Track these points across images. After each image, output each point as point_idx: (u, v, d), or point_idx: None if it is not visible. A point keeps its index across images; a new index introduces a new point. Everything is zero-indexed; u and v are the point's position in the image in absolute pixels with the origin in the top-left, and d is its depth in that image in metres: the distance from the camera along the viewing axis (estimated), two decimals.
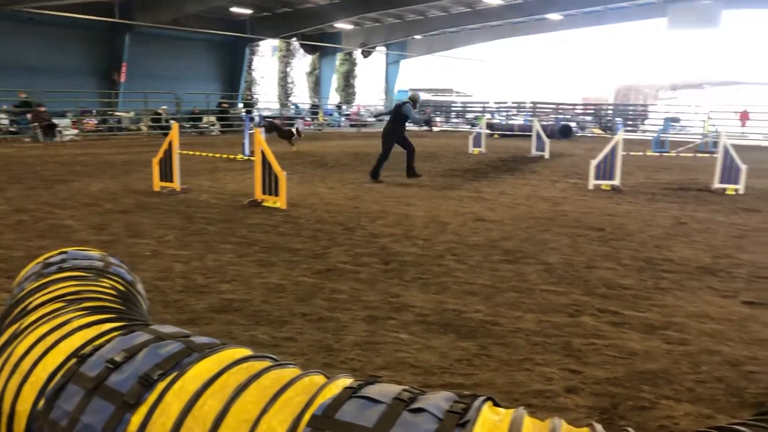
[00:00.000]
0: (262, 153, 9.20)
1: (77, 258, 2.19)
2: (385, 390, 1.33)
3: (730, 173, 11.51)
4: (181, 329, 1.65)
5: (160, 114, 27.68)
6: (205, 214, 8.54)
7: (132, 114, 28.42)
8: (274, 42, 38.94)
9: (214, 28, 32.06)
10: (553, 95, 48.01)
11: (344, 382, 1.39)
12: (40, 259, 2.20)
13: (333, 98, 42.70)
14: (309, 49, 39.56)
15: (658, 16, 34.12)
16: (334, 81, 42.81)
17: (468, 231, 7.69)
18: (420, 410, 1.25)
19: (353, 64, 43.51)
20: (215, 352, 1.50)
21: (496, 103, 42.54)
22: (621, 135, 12.16)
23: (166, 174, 10.55)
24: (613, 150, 11.65)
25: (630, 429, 1.29)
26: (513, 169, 15.50)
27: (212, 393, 1.37)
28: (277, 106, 39.16)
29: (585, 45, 67.39)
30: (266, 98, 39.10)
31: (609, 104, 44.98)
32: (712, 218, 8.85)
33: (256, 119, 24.42)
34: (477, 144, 20.92)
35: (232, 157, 14.27)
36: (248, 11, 32.09)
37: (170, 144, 10.42)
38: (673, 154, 18.71)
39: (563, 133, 29.79)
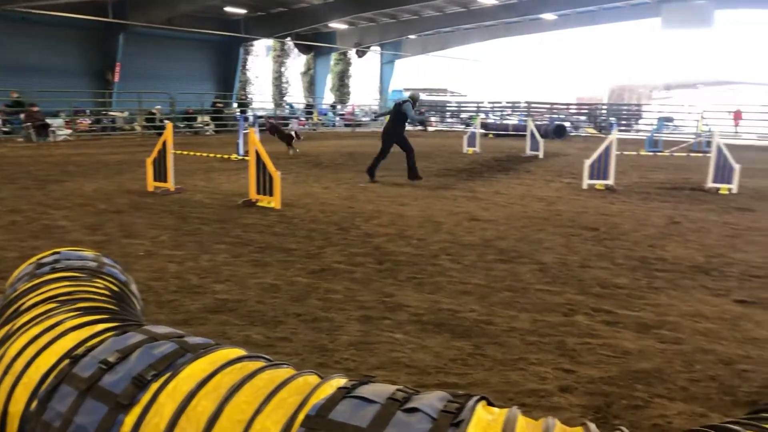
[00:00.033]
0: (257, 153, 9.19)
1: (70, 258, 2.18)
2: (379, 390, 1.33)
3: (723, 173, 11.55)
4: (174, 330, 1.65)
5: (154, 114, 27.61)
6: (200, 214, 8.53)
7: (126, 114, 28.32)
8: (269, 42, 38.88)
9: (208, 28, 31.97)
10: (547, 95, 48.08)
11: (338, 382, 1.39)
12: (33, 259, 2.19)
13: (328, 98, 42.66)
14: (303, 49, 39.52)
15: (651, 16, 34.24)
16: (329, 81, 42.77)
17: (462, 230, 7.70)
18: (414, 410, 1.25)
19: (348, 63, 43.47)
20: (209, 353, 1.49)
21: (490, 102, 42.60)
22: (615, 135, 12.19)
23: (160, 174, 10.52)
24: (607, 150, 11.68)
25: (623, 428, 1.29)
26: (507, 169, 15.52)
27: (206, 393, 1.37)
28: (271, 106, 39.09)
29: (579, 45, 67.60)
30: (261, 98, 39.06)
31: (603, 104, 45.05)
32: (705, 217, 8.88)
33: (251, 119, 24.38)
34: (471, 144, 20.93)
35: (226, 157, 14.26)
36: (242, 11, 32.03)
37: (164, 144, 10.39)
38: (667, 154, 18.76)
39: (557, 132, 29.85)
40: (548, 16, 36.71)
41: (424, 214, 8.81)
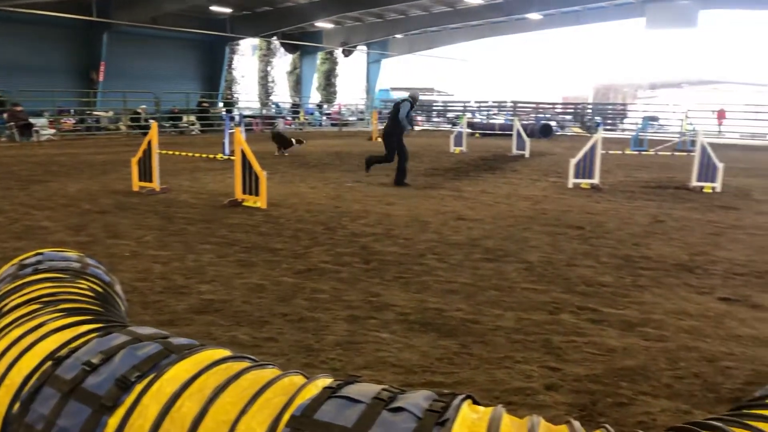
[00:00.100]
0: (242, 152, 9.15)
1: (54, 259, 2.16)
2: (364, 389, 1.33)
3: (707, 171, 11.66)
4: (159, 330, 1.64)
5: (139, 113, 27.43)
6: (185, 214, 8.49)
7: (110, 113, 28.13)
8: (255, 41, 38.77)
9: (194, 27, 31.82)
10: (533, 94, 48.34)
11: (323, 382, 1.38)
12: (15, 260, 2.17)
13: (314, 97, 42.59)
14: (290, 48, 39.43)
15: (636, 16, 34.47)
16: (315, 80, 42.71)
17: (449, 230, 7.72)
18: (399, 409, 1.25)
19: (334, 63, 43.44)
20: (193, 354, 1.49)
21: (476, 102, 42.70)
22: (600, 134, 12.26)
23: (146, 174, 10.46)
24: (593, 149, 11.75)
25: (608, 426, 1.30)
26: (494, 168, 15.57)
27: (190, 395, 1.36)
28: (257, 105, 38.98)
29: (564, 45, 67.98)
30: (247, 97, 38.93)
31: (589, 103, 45.31)
32: (689, 216, 8.96)
33: (237, 118, 24.27)
34: (458, 143, 20.97)
35: (212, 156, 14.21)
36: (228, 10, 31.91)
37: (149, 143, 10.33)
38: (652, 153, 18.92)
39: (543, 132, 29.97)
40: (534, 16, 36.88)
41: (410, 213, 8.82)
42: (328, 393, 1.32)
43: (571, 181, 11.91)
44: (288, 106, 39.79)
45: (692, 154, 12.68)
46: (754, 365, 3.73)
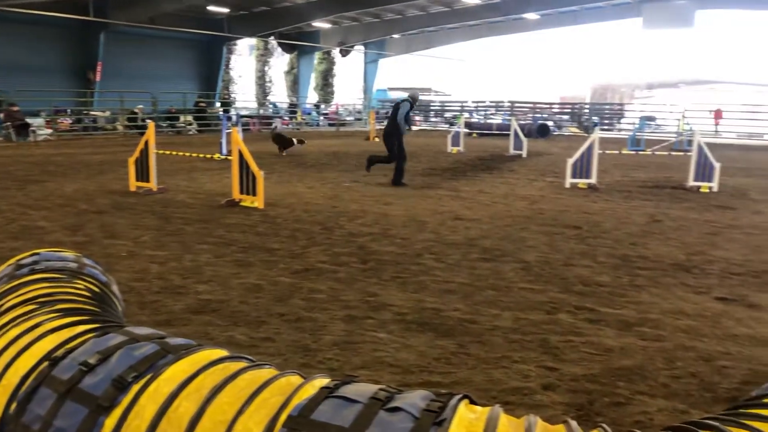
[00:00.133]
0: (240, 152, 9.15)
1: (50, 259, 2.16)
2: (361, 389, 1.33)
3: (704, 171, 11.67)
4: (156, 330, 1.64)
5: (136, 113, 27.39)
6: (182, 214, 8.48)
7: (107, 113, 28.07)
8: (252, 41, 38.73)
9: (191, 27, 31.76)
10: (530, 94, 48.38)
11: (320, 382, 1.39)
12: (12, 260, 2.17)
13: (311, 97, 42.57)
14: (287, 48, 39.40)
15: (633, 16, 34.51)
16: (313, 80, 42.67)
17: (446, 230, 7.72)
18: (396, 409, 1.25)
19: (332, 63, 43.40)
20: (190, 354, 1.49)
21: (474, 102, 42.70)
22: (597, 134, 12.27)
23: (143, 174, 10.44)
24: (590, 149, 11.76)
25: (605, 425, 1.30)
26: (491, 168, 15.58)
27: (187, 395, 1.36)
28: (254, 105, 38.95)
29: (562, 45, 67.99)
30: (244, 97, 38.90)
31: (586, 103, 45.35)
32: (686, 216, 8.97)
33: (234, 118, 24.25)
34: (455, 143, 20.97)
35: (209, 156, 14.19)
36: (225, 10, 31.86)
37: (146, 143, 10.32)
38: (649, 153, 18.93)
39: (541, 132, 30.01)
40: (531, 16, 36.89)
41: (408, 213, 8.82)
42: (325, 393, 1.32)
43: (569, 180, 11.91)
44: (285, 106, 39.76)
45: (689, 153, 12.69)
46: (750, 365, 3.74)
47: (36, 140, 22.40)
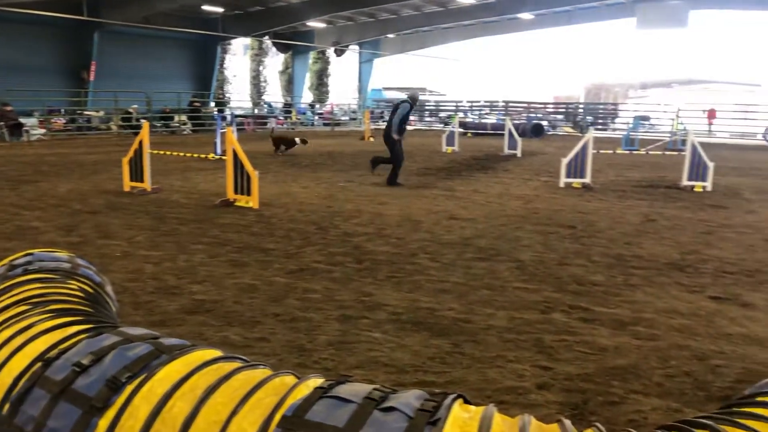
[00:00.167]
0: (234, 152, 9.13)
1: (44, 260, 2.15)
2: (355, 389, 1.33)
3: (697, 170, 11.71)
4: (150, 331, 1.63)
5: (130, 113, 27.31)
6: (177, 214, 8.46)
7: (101, 113, 27.99)
8: (246, 40, 38.66)
9: (185, 27, 31.70)
10: (525, 94, 48.45)
11: (315, 382, 1.38)
12: (5, 261, 2.15)
13: (306, 97, 42.53)
14: (281, 48, 39.35)
15: (626, 16, 34.57)
16: (307, 79, 42.64)
17: (441, 229, 7.73)
18: (391, 409, 1.25)
19: (326, 62, 43.36)
20: (184, 354, 1.48)
21: (469, 101, 42.74)
22: (591, 133, 12.30)
23: (137, 174, 10.42)
24: (584, 148, 11.78)
25: (599, 425, 1.30)
26: (486, 168, 15.60)
27: (181, 395, 1.36)
28: (249, 104, 38.90)
29: (556, 44, 68.21)
30: (238, 97, 38.84)
31: (580, 103, 45.43)
32: (680, 215, 9.00)
33: (228, 118, 24.19)
34: (450, 143, 20.99)
35: (203, 156, 14.16)
36: (220, 9, 31.80)
37: (141, 143, 10.29)
38: (643, 152, 18.97)
39: (535, 131, 30.06)
40: (525, 16, 36.94)
41: (403, 213, 8.82)
42: (320, 393, 1.31)
43: (563, 180, 11.94)
44: (280, 105, 39.72)
45: (683, 153, 12.73)
46: (744, 363, 3.75)
47: (29, 140, 22.32)
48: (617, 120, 39.32)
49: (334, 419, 1.23)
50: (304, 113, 39.45)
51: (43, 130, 24.03)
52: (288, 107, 39.20)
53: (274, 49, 39.57)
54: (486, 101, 42.36)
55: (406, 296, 4.98)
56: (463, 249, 6.67)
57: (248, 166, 8.99)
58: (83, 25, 27.28)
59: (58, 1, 25.06)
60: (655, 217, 8.80)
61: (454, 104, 43.13)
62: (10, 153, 17.49)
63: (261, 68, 39.96)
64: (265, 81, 40.34)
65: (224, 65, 37.46)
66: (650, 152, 18.72)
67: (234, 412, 1.30)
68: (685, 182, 11.80)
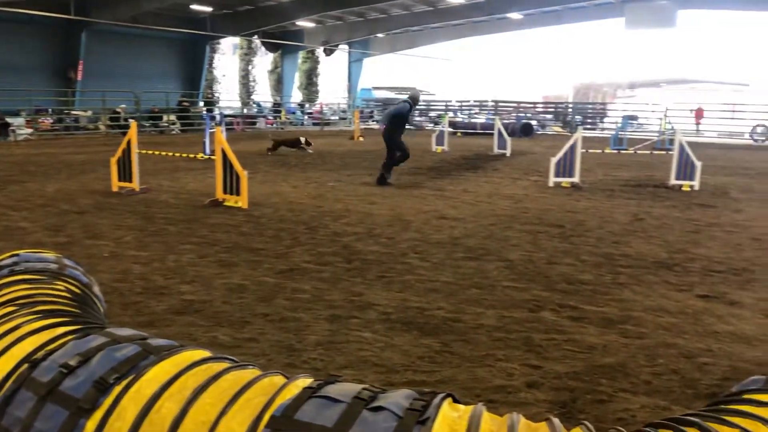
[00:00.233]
0: (223, 152, 9.10)
1: (30, 260, 2.13)
2: (345, 389, 1.33)
3: (685, 170, 11.78)
4: (138, 331, 1.62)
5: (118, 113, 27.17)
6: (165, 214, 8.42)
7: (89, 113, 27.82)
8: (235, 40, 38.55)
9: (174, 26, 31.56)
10: (514, 94, 48.55)
11: (304, 382, 1.38)
12: None
13: (296, 96, 42.46)
14: (271, 47, 39.27)
15: (615, 16, 34.71)
16: (297, 79, 42.58)
17: (431, 229, 7.73)
18: (380, 408, 1.25)
19: (316, 62, 43.31)
20: (173, 355, 1.48)
21: (458, 101, 42.78)
22: (580, 133, 12.35)
23: (125, 174, 10.36)
24: (573, 148, 11.83)
25: (587, 423, 1.31)
26: (475, 167, 15.63)
27: (170, 396, 1.35)
28: (238, 104, 38.78)
29: (545, 44, 68.44)
30: (227, 96, 38.71)
31: (569, 103, 45.60)
32: (668, 214, 9.05)
33: (217, 118, 24.10)
34: (440, 142, 21.01)
35: (192, 156, 14.11)
36: (208, 9, 31.68)
37: (129, 143, 10.24)
38: (631, 152, 19.07)
39: (524, 131, 30.15)
40: (514, 16, 37.03)
41: (392, 212, 8.82)
42: (309, 393, 1.31)
43: (552, 179, 11.98)
44: (269, 105, 39.63)
45: (671, 152, 12.80)
46: (731, 361, 3.78)
47: (16, 140, 22.16)
48: (606, 119, 39.46)
49: (323, 419, 1.23)
50: (293, 113, 39.36)
51: (30, 130, 23.86)
52: (277, 107, 39.11)
53: (263, 48, 39.48)
54: (476, 101, 42.41)
55: (396, 296, 4.99)
56: (452, 248, 6.68)
57: (237, 165, 8.96)
58: (71, 24, 27.13)
59: (46, 0, 24.87)
60: (644, 216, 8.85)
61: (444, 104, 43.17)
62: None
63: (250, 68, 39.86)
64: (254, 80, 40.25)
65: (213, 65, 37.35)
66: (638, 151, 18.83)
67: (223, 413, 1.30)
68: (673, 181, 11.87)
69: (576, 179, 11.87)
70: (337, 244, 6.77)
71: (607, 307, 4.78)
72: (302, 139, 18.61)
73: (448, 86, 50.46)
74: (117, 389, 1.38)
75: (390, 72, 51.02)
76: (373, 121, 40.65)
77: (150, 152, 13.29)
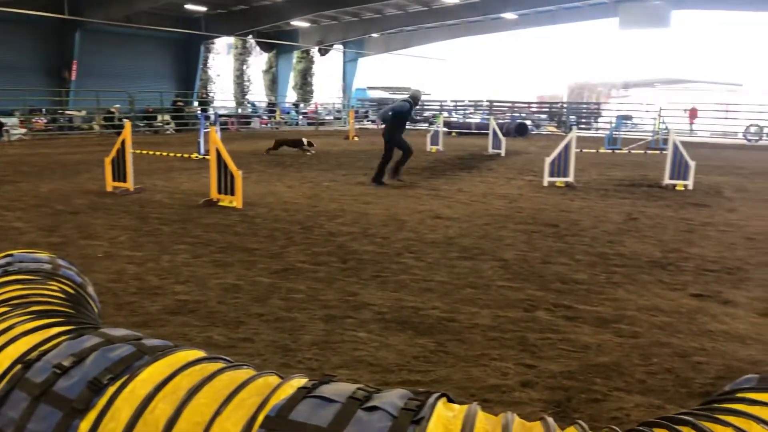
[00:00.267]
0: (218, 152, 9.09)
1: (24, 261, 2.13)
2: (339, 389, 1.33)
3: (679, 169, 11.82)
4: (132, 332, 1.62)
5: (112, 113, 27.10)
6: (160, 214, 8.40)
7: (83, 113, 27.73)
8: (230, 40, 38.51)
9: (168, 26, 31.48)
10: (509, 94, 48.60)
11: (298, 382, 1.38)
12: None
13: (290, 96, 42.41)
14: (265, 47, 39.22)
15: (609, 16, 34.83)
16: (291, 79, 42.53)
17: (426, 228, 7.74)
18: (374, 408, 1.25)
19: (310, 62, 43.27)
20: (167, 355, 1.47)
21: (453, 101, 42.81)
22: (574, 133, 12.37)
23: (119, 174, 10.33)
24: (567, 147, 11.85)
25: (581, 422, 1.31)
26: (470, 167, 15.64)
27: (164, 396, 1.35)
28: (233, 104, 38.72)
29: (539, 44, 68.61)
30: (222, 96, 38.66)
31: (564, 102, 45.68)
32: (662, 213, 9.08)
33: (212, 117, 24.05)
34: (435, 142, 21.03)
35: (187, 156, 14.07)
36: (203, 8, 31.63)
37: (123, 143, 10.21)
38: (625, 151, 19.11)
39: (519, 131, 30.21)
40: (509, 16, 37.09)
41: (387, 212, 8.82)
42: (303, 393, 1.31)
43: (546, 179, 12.00)
44: (264, 105, 39.57)
45: (665, 152, 12.84)
46: (724, 360, 3.79)
47: (10, 140, 22.07)
48: (600, 119, 39.57)
49: (318, 419, 1.23)
50: (288, 113, 39.33)
51: (23, 130, 23.77)
52: (272, 107, 39.06)
53: (257, 48, 39.43)
54: (470, 101, 42.45)
55: (391, 295, 4.99)
56: (447, 248, 6.68)
57: (232, 165, 8.95)
58: (65, 24, 27.02)
59: (40, 0, 24.78)
60: (638, 215, 8.87)
61: (439, 104, 43.18)
62: None
63: (245, 67, 39.80)
64: (248, 80, 40.19)
65: (208, 64, 37.27)
66: (632, 151, 18.87)
67: (217, 413, 1.30)
68: (667, 181, 11.91)
69: (570, 179, 11.89)
70: (332, 244, 6.77)
71: (602, 307, 4.79)
72: (304, 141, 18.55)
73: (443, 86, 50.53)
74: (111, 390, 1.38)
75: (385, 72, 51.09)
76: (368, 120, 40.66)
77: (144, 152, 13.25)
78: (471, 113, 39.65)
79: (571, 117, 38.78)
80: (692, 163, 11.71)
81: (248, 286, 5.17)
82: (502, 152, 19.23)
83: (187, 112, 31.75)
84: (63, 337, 1.56)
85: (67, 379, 1.41)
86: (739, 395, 1.46)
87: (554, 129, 36.40)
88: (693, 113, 34.97)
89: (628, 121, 35.15)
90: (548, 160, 12.01)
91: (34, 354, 1.50)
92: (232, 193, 9.03)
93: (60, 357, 1.46)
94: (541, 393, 3.32)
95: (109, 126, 26.60)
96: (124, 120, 12.44)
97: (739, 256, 6.53)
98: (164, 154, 14.20)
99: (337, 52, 44.28)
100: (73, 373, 1.42)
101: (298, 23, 37.04)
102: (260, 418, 1.27)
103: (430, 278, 5.50)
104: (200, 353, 1.52)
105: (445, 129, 24.89)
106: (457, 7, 35.12)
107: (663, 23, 32.47)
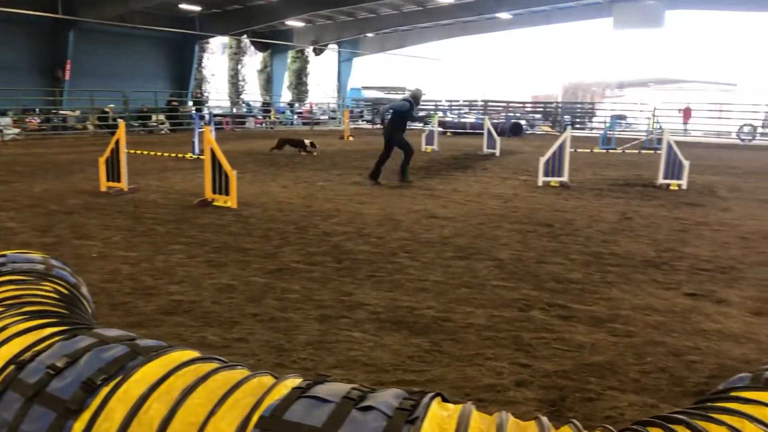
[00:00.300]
0: (212, 152, 9.07)
1: (17, 261, 2.12)
2: (334, 389, 1.33)
3: (673, 169, 11.85)
4: (126, 332, 1.62)
5: (106, 112, 27.00)
6: (154, 214, 8.39)
7: (77, 112, 27.63)
8: (225, 39, 38.42)
9: (163, 25, 31.40)
10: (503, 93, 48.70)
11: (293, 382, 1.38)
12: None
13: (285, 96, 42.37)
14: (260, 47, 39.16)
15: (603, 16, 34.90)
16: (286, 79, 42.48)
17: (421, 228, 7.74)
18: (369, 408, 1.25)
19: (305, 61, 43.22)
20: (161, 355, 1.47)
21: (448, 101, 42.85)
22: (569, 132, 12.39)
23: (114, 174, 10.30)
24: (562, 147, 11.87)
25: (575, 421, 1.31)
26: (465, 167, 15.65)
27: (158, 396, 1.35)
28: (227, 104, 38.66)
29: (534, 44, 68.74)
30: (217, 96, 38.57)
31: (558, 102, 45.77)
32: (656, 213, 9.11)
33: (206, 117, 24.00)
34: (430, 142, 21.04)
35: (181, 156, 14.05)
36: (197, 8, 31.54)
37: (117, 143, 10.18)
38: (620, 151, 19.17)
39: (514, 130, 30.24)
40: (504, 16, 37.14)
41: (382, 212, 8.82)
42: (298, 393, 1.31)
43: (541, 179, 12.02)
44: (259, 104, 39.53)
45: (659, 152, 12.87)
46: (718, 359, 3.81)
47: (3, 140, 21.98)
48: (594, 119, 39.65)
49: (312, 419, 1.23)
50: (283, 112, 39.28)
51: (17, 130, 23.68)
52: (267, 106, 39.01)
53: (252, 48, 39.37)
54: (465, 100, 42.51)
55: (386, 295, 4.99)
56: (442, 248, 6.69)
57: (226, 165, 8.94)
58: (58, 23, 26.92)
59: None
60: (632, 215, 8.90)
61: (434, 103, 43.21)
62: None
63: (239, 67, 39.73)
64: (243, 80, 40.12)
65: (202, 64, 37.19)
66: (627, 151, 18.93)
67: (211, 413, 1.30)
68: (661, 180, 11.94)
69: (565, 178, 11.91)
70: (326, 244, 6.77)
71: (596, 306, 4.80)
72: (307, 142, 18.48)
73: (438, 86, 50.57)
74: (105, 390, 1.37)
75: (380, 72, 51.09)
76: (363, 120, 40.65)
77: (139, 152, 13.23)
78: (466, 113, 39.69)
79: (565, 117, 38.82)
80: (686, 163, 11.75)
81: (243, 286, 5.16)
82: (497, 152, 19.26)
83: (181, 111, 31.68)
84: (56, 338, 1.55)
85: (61, 380, 1.40)
86: (733, 394, 1.47)
87: (549, 129, 36.46)
88: (687, 113, 35.08)
89: (623, 121, 35.27)
90: (543, 159, 12.03)
91: (28, 355, 1.49)
92: (227, 193, 9.02)
93: (53, 358, 1.46)
94: (535, 392, 3.33)
95: (103, 126, 26.51)
96: (119, 120, 12.41)
97: (732, 255, 6.55)
98: (159, 154, 14.19)
99: (331, 52, 44.25)
100: (67, 374, 1.41)
101: (293, 23, 36.99)
102: (254, 418, 1.27)
103: (425, 278, 5.50)
104: (194, 353, 1.52)
105: (440, 129, 24.89)
106: (451, 6, 35.14)
107: (657, 23, 32.57)
